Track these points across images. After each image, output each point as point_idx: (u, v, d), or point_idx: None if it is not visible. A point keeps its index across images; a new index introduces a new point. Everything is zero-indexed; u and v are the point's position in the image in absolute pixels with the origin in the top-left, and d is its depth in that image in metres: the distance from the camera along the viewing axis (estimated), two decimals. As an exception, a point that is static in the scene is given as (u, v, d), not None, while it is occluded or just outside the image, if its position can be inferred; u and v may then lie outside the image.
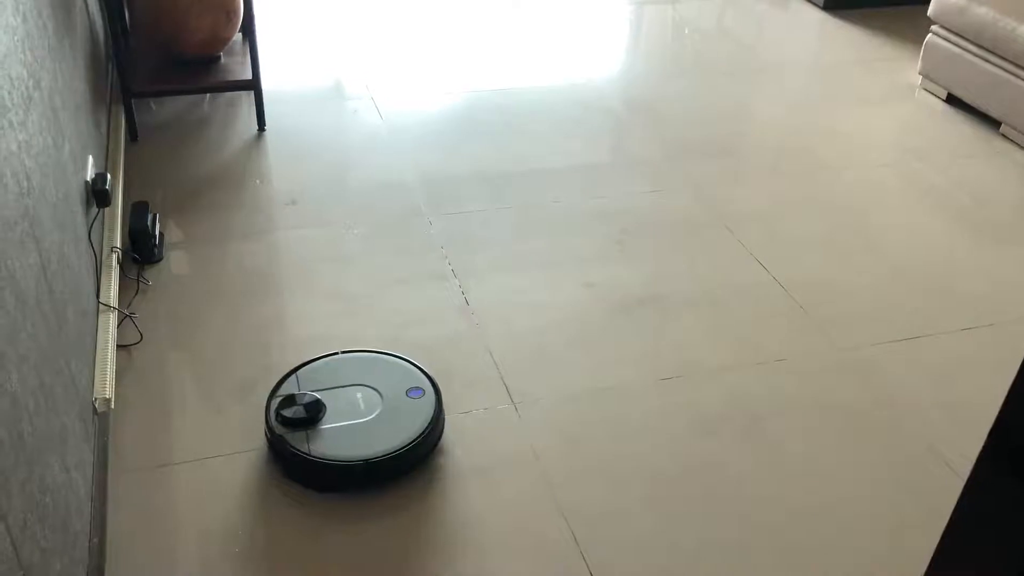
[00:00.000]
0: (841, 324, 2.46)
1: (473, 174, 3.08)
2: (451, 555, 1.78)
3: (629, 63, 4.19)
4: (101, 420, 1.94)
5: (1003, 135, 3.48)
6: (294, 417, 1.92)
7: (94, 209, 2.31)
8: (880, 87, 3.88)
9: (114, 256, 2.40)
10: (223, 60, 3.29)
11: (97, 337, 2.10)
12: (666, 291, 2.56)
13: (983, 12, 3.45)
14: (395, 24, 4.30)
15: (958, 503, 0.89)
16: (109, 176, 2.37)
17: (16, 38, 1.70)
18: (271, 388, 2.03)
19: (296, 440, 1.88)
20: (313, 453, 1.86)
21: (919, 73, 3.84)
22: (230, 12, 3.16)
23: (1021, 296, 2.61)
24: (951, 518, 0.91)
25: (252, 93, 3.22)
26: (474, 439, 2.04)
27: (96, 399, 1.92)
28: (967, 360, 2.36)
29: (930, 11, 3.72)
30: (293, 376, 2.05)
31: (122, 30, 3.18)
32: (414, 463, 1.93)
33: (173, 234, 2.68)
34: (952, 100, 3.71)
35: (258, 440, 2.00)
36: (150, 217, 2.56)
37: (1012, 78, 3.38)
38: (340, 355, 2.12)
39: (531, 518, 1.86)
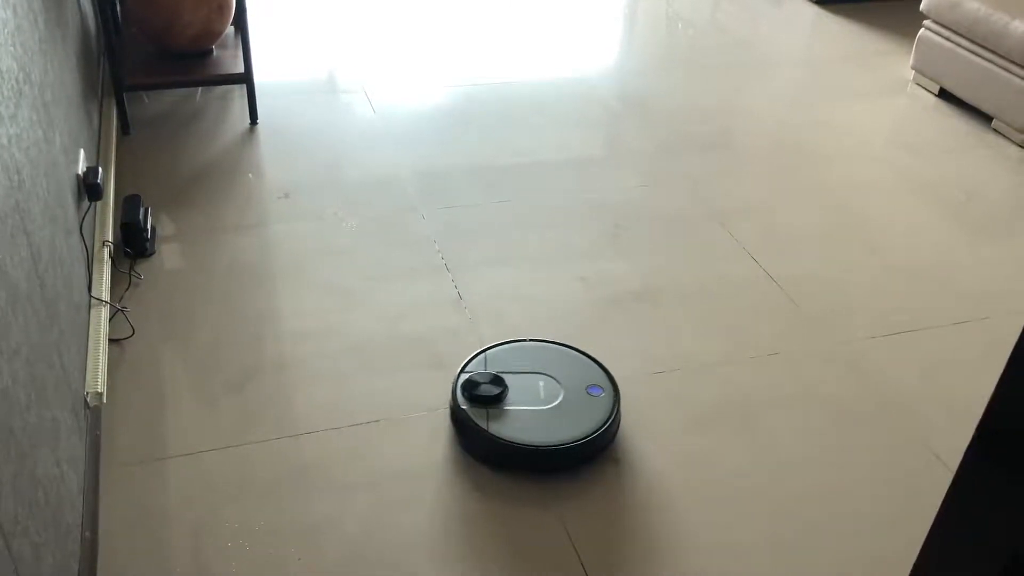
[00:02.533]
0: (833, 318, 2.47)
1: (466, 168, 3.08)
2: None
3: (623, 57, 4.19)
4: (93, 414, 1.93)
5: (995, 129, 3.49)
6: (480, 395, 1.98)
7: (86, 203, 2.30)
8: (872, 82, 3.89)
9: (106, 250, 2.39)
10: (215, 53, 3.28)
11: (89, 331, 2.10)
12: (659, 285, 2.56)
13: (975, 7, 3.46)
14: (388, 17, 4.29)
15: (946, 496, 0.90)
16: (101, 170, 2.36)
17: (6, 31, 1.69)
18: (460, 365, 2.09)
19: (477, 416, 1.96)
20: (491, 431, 1.93)
21: (911, 68, 3.85)
22: (222, 5, 3.15)
23: (1012, 289, 2.62)
24: (939, 510, 0.91)
25: (244, 86, 3.21)
26: (467, 433, 2.05)
27: (88, 393, 1.92)
28: (959, 354, 2.37)
29: (922, 6, 3.72)
30: (482, 356, 2.12)
31: (114, 23, 3.16)
32: (587, 457, 1.97)
33: (165, 228, 2.68)
34: (944, 95, 3.72)
35: (252, 434, 2.00)
36: (142, 211, 2.56)
37: (1004, 73, 3.39)
38: (528, 343, 2.18)
39: (528, 517, 1.87)
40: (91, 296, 2.19)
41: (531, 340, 2.20)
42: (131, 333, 2.26)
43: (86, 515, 1.69)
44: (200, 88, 3.44)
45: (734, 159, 3.25)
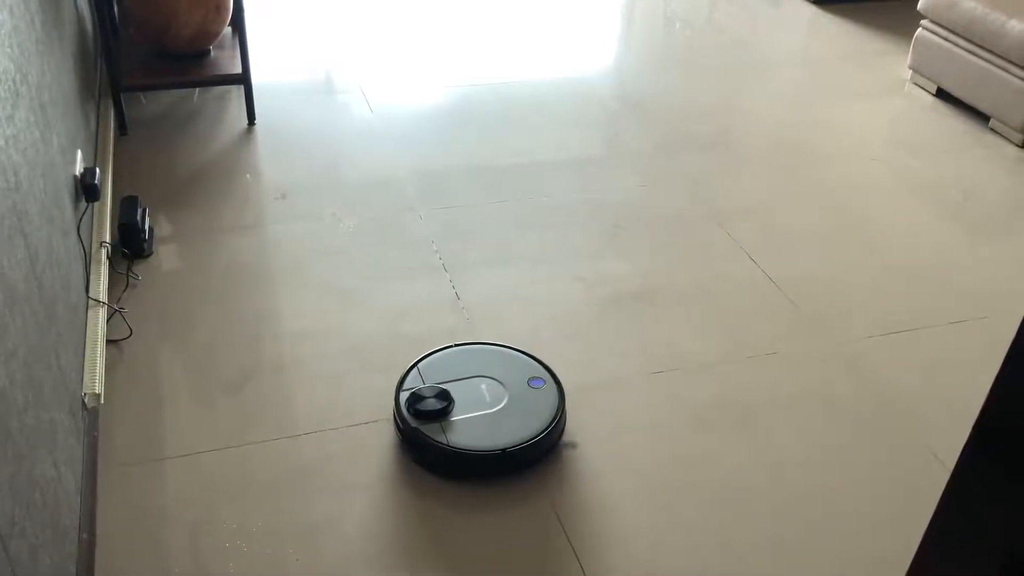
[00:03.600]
0: (832, 318, 2.47)
1: (465, 168, 3.08)
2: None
3: (622, 57, 4.19)
4: (91, 415, 1.93)
5: (992, 129, 3.49)
6: (427, 409, 1.95)
7: (83, 204, 2.30)
8: (870, 81, 3.89)
9: (103, 251, 2.39)
10: (212, 54, 3.28)
11: (87, 332, 2.09)
12: (658, 285, 2.56)
13: (972, 7, 3.46)
14: (386, 18, 4.28)
15: (944, 494, 0.90)
16: (98, 171, 2.36)
17: (2, 32, 1.69)
18: (397, 381, 2.05)
19: (432, 431, 1.91)
20: (452, 444, 1.89)
21: (909, 67, 3.86)
22: (219, 6, 3.15)
23: (1010, 289, 2.62)
24: (937, 508, 0.91)
25: (242, 87, 3.21)
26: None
27: (86, 394, 1.92)
28: (957, 353, 2.38)
29: (920, 6, 3.73)
30: (415, 369, 2.08)
31: (111, 24, 3.16)
32: (547, 451, 1.97)
33: (163, 228, 2.67)
34: (942, 94, 3.72)
35: (250, 434, 2.00)
36: (140, 211, 2.55)
37: (1001, 72, 3.39)
38: (455, 348, 2.16)
39: (524, 516, 1.87)
40: (89, 297, 2.18)
41: (458, 345, 2.17)
42: (129, 334, 2.26)
43: (84, 516, 1.69)
44: (197, 89, 3.43)
45: (732, 159, 3.25)
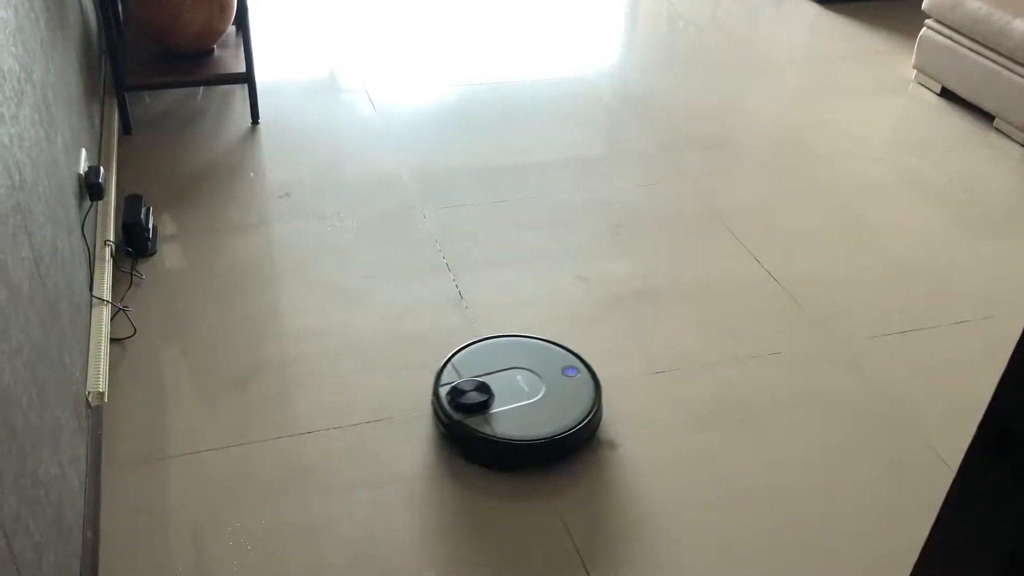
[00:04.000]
0: (835, 318, 2.47)
1: (467, 167, 3.08)
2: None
3: (624, 57, 4.19)
4: (94, 414, 1.94)
5: (997, 129, 3.49)
6: (469, 403, 1.97)
7: (87, 202, 2.30)
8: (874, 81, 3.89)
9: (107, 249, 2.39)
10: (216, 53, 3.28)
11: (90, 331, 2.10)
12: (660, 285, 2.56)
13: (976, 6, 3.45)
14: (390, 16, 4.28)
15: (948, 494, 0.90)
16: (102, 169, 2.36)
17: (7, 31, 1.69)
18: (434, 377, 2.07)
19: (476, 424, 1.94)
20: (499, 435, 1.92)
21: (913, 67, 3.85)
22: (223, 5, 3.15)
23: (1014, 289, 2.62)
24: (941, 509, 0.91)
25: (246, 86, 3.21)
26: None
27: (89, 392, 1.92)
28: (961, 353, 2.37)
29: (924, 5, 3.72)
30: (449, 364, 2.10)
31: (115, 23, 3.16)
32: (588, 438, 2.01)
33: (167, 227, 2.68)
34: (946, 94, 3.71)
35: (253, 433, 2.00)
36: (144, 210, 2.56)
37: (1005, 72, 3.38)
38: (487, 341, 2.18)
39: (528, 514, 1.87)
40: (93, 296, 2.19)
41: (489, 338, 2.19)
42: (132, 332, 2.26)
43: (87, 515, 1.70)
44: (201, 88, 3.44)
45: (735, 158, 3.25)
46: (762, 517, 1.89)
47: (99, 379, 1.97)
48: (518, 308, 2.43)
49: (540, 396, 2.01)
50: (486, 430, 1.93)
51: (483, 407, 1.97)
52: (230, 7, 3.19)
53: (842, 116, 3.57)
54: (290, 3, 4.34)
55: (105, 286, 2.26)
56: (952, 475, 0.89)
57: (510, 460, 1.95)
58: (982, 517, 0.86)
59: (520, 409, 1.98)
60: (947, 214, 2.97)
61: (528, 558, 1.78)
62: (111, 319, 2.23)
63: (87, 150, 2.42)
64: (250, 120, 3.26)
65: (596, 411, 2.01)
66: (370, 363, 2.23)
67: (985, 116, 3.55)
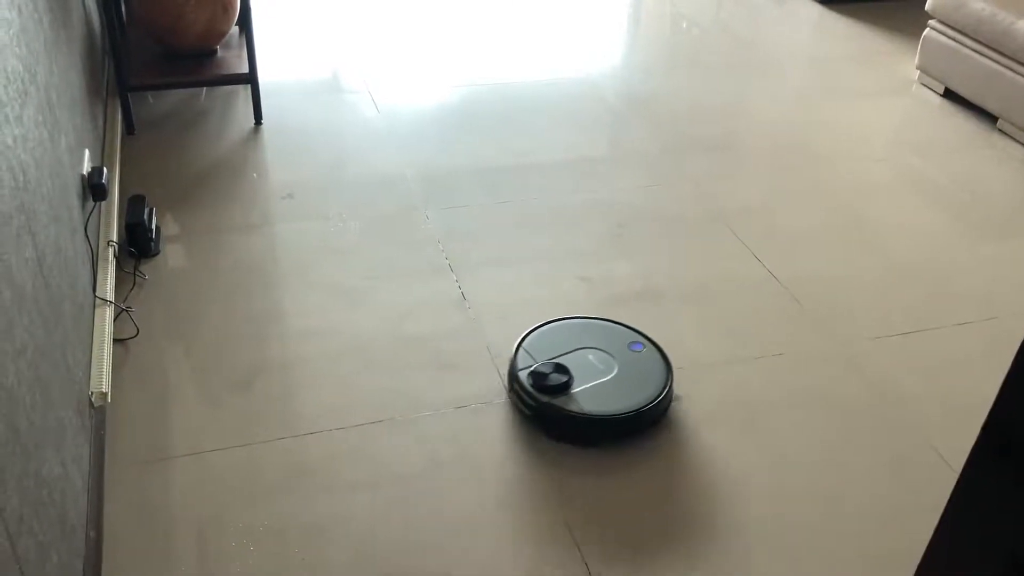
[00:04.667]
0: (837, 318, 2.47)
1: (470, 168, 3.08)
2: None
3: (627, 57, 4.19)
4: (98, 414, 1.94)
5: (1000, 130, 3.48)
6: (555, 384, 2.03)
7: (90, 203, 2.31)
8: (877, 81, 3.88)
9: (111, 250, 2.40)
10: (219, 54, 3.29)
11: (94, 331, 2.10)
12: (662, 285, 2.56)
13: (980, 7, 3.45)
14: (393, 17, 4.29)
15: (951, 495, 0.90)
16: (106, 170, 2.36)
17: (11, 32, 1.70)
18: (510, 363, 2.14)
19: (563, 404, 2.01)
20: (587, 412, 1.99)
21: (916, 67, 3.85)
22: (226, 5, 3.16)
23: (1017, 290, 2.62)
24: (944, 511, 0.91)
25: (249, 87, 3.22)
26: (468, 432, 2.05)
27: (93, 393, 1.92)
28: (964, 354, 2.37)
29: (927, 6, 3.72)
30: (520, 350, 2.16)
31: (119, 23, 3.17)
32: (666, 409, 2.10)
33: (170, 228, 2.68)
34: (949, 94, 3.71)
35: (256, 434, 2.00)
36: (147, 211, 2.56)
37: (1009, 73, 3.38)
38: (550, 325, 2.25)
39: (529, 512, 1.87)
40: (96, 296, 2.19)
41: (551, 322, 2.26)
42: (136, 333, 2.26)
43: (91, 514, 1.70)
44: (204, 88, 3.44)
45: (738, 159, 3.25)
46: (765, 517, 1.89)
47: (102, 379, 1.98)
48: (520, 309, 2.43)
49: (615, 373, 2.09)
50: (573, 408, 2.00)
51: (565, 387, 2.04)
52: (233, 8, 3.19)
53: (845, 117, 3.57)
54: (293, 4, 4.34)
55: (108, 286, 2.27)
56: (954, 476, 0.89)
57: (598, 436, 2.02)
58: (985, 519, 0.86)
59: (600, 386, 2.06)
60: (949, 215, 2.97)
61: (530, 557, 1.78)
62: (114, 319, 2.23)
63: (90, 151, 2.42)
64: (253, 121, 3.26)
65: (671, 383, 2.09)
66: (372, 363, 2.23)
67: (988, 117, 3.54)
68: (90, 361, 2.00)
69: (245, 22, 3.13)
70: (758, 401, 2.18)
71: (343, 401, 2.11)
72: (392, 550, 1.78)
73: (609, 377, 2.08)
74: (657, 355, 2.16)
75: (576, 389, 2.04)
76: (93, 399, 1.92)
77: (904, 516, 1.91)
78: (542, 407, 2.02)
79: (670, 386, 2.08)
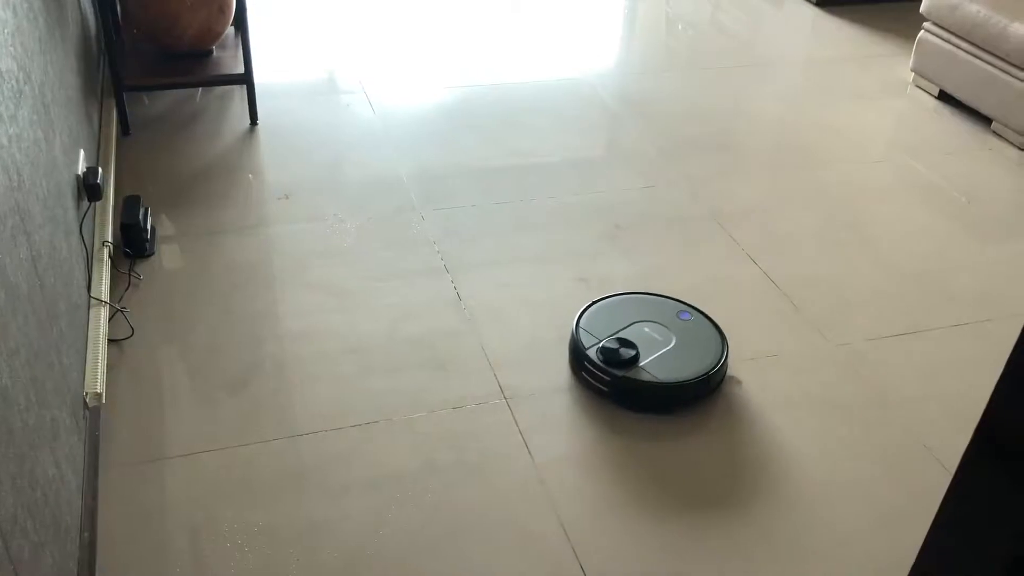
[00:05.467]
0: (833, 320, 2.47)
1: (466, 169, 3.08)
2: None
3: (623, 58, 4.19)
4: (92, 414, 1.93)
5: (994, 132, 3.49)
6: (626, 358, 2.12)
7: (85, 203, 2.30)
8: (872, 83, 3.89)
9: (105, 250, 2.39)
10: (215, 54, 3.29)
11: (88, 331, 2.10)
12: (659, 287, 2.56)
13: (975, 10, 3.46)
14: (389, 18, 4.29)
15: (946, 496, 0.90)
16: (101, 170, 2.36)
17: (6, 31, 1.69)
18: (571, 344, 2.22)
19: (637, 375, 2.10)
20: (661, 379, 2.09)
21: (911, 70, 3.85)
22: (222, 6, 3.16)
23: (1012, 292, 2.62)
24: (938, 512, 0.91)
25: (244, 87, 3.21)
26: (464, 433, 2.05)
27: (87, 393, 1.92)
28: (959, 355, 2.37)
29: (922, 8, 3.72)
30: (580, 329, 2.23)
31: (114, 24, 3.16)
32: (726, 373, 2.21)
33: (165, 228, 2.68)
34: (944, 97, 3.72)
35: (251, 435, 2.00)
36: (142, 211, 2.56)
37: (1003, 75, 3.39)
38: (600, 303, 2.32)
39: (524, 515, 1.87)
40: (90, 296, 2.19)
41: (598, 301, 2.33)
42: (130, 333, 2.26)
43: (85, 515, 1.69)
44: (200, 89, 3.44)
45: (734, 160, 3.25)
46: (761, 518, 1.89)
47: (97, 380, 1.97)
48: (517, 309, 2.43)
49: (675, 342, 2.19)
50: (648, 379, 2.09)
51: (635, 360, 2.12)
52: (229, 8, 3.19)
53: (840, 118, 3.58)
54: (289, 4, 4.34)
55: (103, 287, 2.26)
56: (949, 477, 0.89)
57: (673, 401, 2.12)
58: (979, 520, 0.86)
59: (666, 355, 2.15)
60: (944, 217, 2.97)
61: (528, 556, 1.78)
62: (109, 320, 2.23)
63: (85, 151, 2.42)
64: (249, 121, 3.26)
65: (728, 347, 2.19)
66: (368, 365, 2.23)
67: (983, 119, 3.55)
68: (84, 362, 1.99)
69: (241, 22, 3.13)
70: (752, 402, 2.19)
71: (338, 402, 2.11)
72: (387, 552, 1.78)
73: (671, 346, 2.18)
74: (707, 322, 2.26)
75: (644, 361, 2.12)
76: (88, 400, 1.91)
77: (898, 517, 1.91)
78: (618, 381, 2.10)
79: (726, 351, 2.19)
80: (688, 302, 2.33)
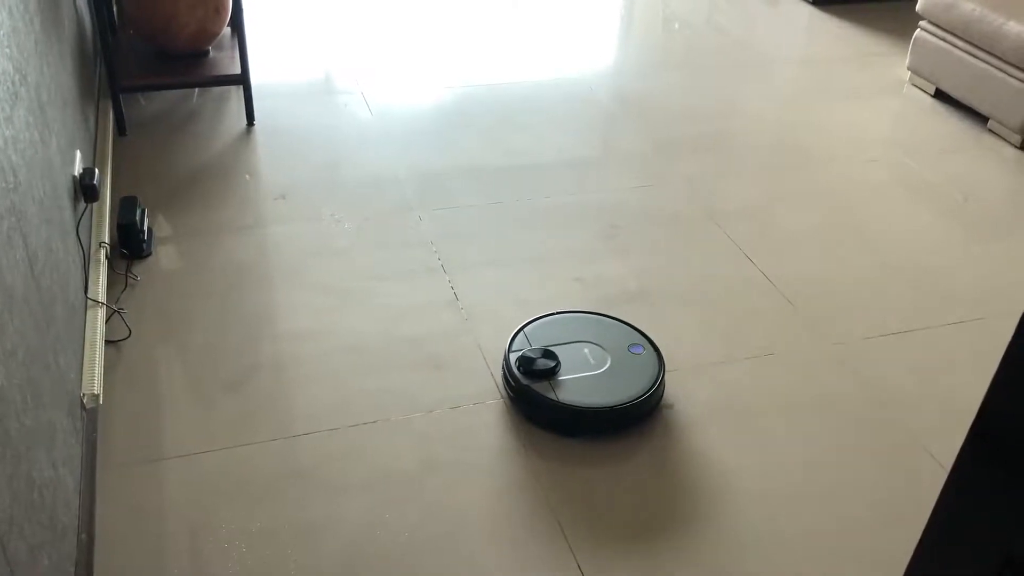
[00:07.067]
0: (830, 318, 2.47)
1: (463, 169, 3.08)
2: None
3: (620, 58, 4.19)
4: (89, 416, 1.93)
5: (991, 130, 3.50)
6: (541, 369, 2.08)
7: (82, 204, 2.30)
8: (869, 82, 3.90)
9: (102, 251, 2.39)
10: (212, 55, 3.28)
11: (85, 332, 2.09)
12: (655, 286, 2.56)
13: (970, 8, 3.46)
14: (385, 18, 4.29)
15: (941, 494, 0.90)
16: (97, 171, 2.36)
17: (1, 32, 1.69)
18: (507, 344, 2.18)
19: (542, 389, 2.05)
20: (562, 400, 2.03)
21: (907, 68, 3.86)
22: (219, 7, 3.15)
23: (1008, 290, 2.63)
24: (934, 510, 0.91)
25: (241, 88, 3.21)
26: (461, 433, 2.05)
27: (84, 394, 1.92)
28: (955, 354, 2.38)
29: (918, 7, 3.73)
30: (521, 333, 2.21)
31: (110, 24, 3.16)
32: (648, 412, 2.10)
33: (162, 229, 2.68)
34: (940, 95, 3.72)
35: (249, 435, 2.00)
36: (139, 212, 2.55)
37: (999, 74, 3.39)
38: (556, 316, 2.29)
39: (521, 514, 1.87)
40: (87, 297, 2.18)
41: (560, 312, 2.30)
42: (127, 334, 2.26)
43: (82, 517, 1.69)
44: (196, 89, 3.43)
45: (730, 160, 3.25)
46: (757, 518, 1.89)
47: (94, 381, 1.97)
48: (514, 309, 2.43)
49: (605, 369, 2.12)
50: (551, 395, 2.04)
51: (550, 374, 2.07)
52: (225, 9, 3.18)
53: (836, 117, 3.58)
54: (286, 5, 4.34)
55: (100, 288, 2.26)
56: (945, 475, 0.90)
57: (573, 426, 2.04)
58: (975, 518, 0.86)
59: (586, 379, 2.09)
60: (941, 215, 2.98)
61: (525, 555, 1.78)
62: (106, 321, 2.22)
63: (82, 152, 2.41)
64: (245, 122, 3.26)
65: (657, 386, 2.10)
66: (365, 365, 2.23)
67: (979, 118, 3.56)
68: (82, 363, 1.99)
69: (237, 23, 3.13)
70: (749, 401, 2.19)
71: (336, 402, 2.11)
72: (385, 552, 1.78)
73: (598, 372, 2.11)
74: (655, 360, 2.16)
75: (561, 378, 2.07)
76: (85, 401, 1.91)
77: (895, 515, 1.91)
78: (522, 390, 2.06)
79: (656, 389, 2.08)
80: (651, 337, 2.22)
